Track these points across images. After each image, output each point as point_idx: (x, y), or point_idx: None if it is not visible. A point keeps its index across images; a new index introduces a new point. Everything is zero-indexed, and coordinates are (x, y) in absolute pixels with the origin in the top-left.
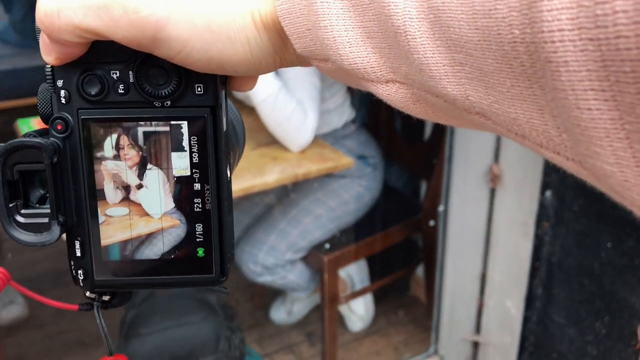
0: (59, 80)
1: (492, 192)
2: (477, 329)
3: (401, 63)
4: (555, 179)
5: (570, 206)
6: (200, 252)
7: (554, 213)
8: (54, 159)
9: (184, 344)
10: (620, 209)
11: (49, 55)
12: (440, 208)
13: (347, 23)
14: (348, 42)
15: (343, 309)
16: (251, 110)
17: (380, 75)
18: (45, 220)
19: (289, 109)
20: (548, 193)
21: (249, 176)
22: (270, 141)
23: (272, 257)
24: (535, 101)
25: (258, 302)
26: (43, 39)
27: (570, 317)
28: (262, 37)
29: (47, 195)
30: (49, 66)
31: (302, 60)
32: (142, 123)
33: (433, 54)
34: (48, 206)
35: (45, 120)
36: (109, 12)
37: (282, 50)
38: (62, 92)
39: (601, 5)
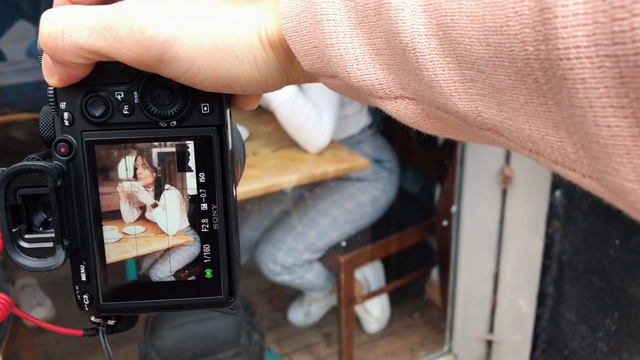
0: (62, 102)
1: (504, 193)
2: (491, 327)
3: (410, 79)
4: (564, 179)
5: (579, 205)
6: (208, 273)
7: (564, 212)
8: (58, 183)
9: (206, 339)
10: None
11: (51, 77)
12: (453, 209)
13: (355, 40)
14: (355, 59)
15: (359, 310)
16: (270, 116)
17: (389, 91)
18: (50, 244)
19: (306, 112)
20: (558, 193)
21: (269, 176)
22: (289, 144)
23: (291, 257)
24: (551, 118)
25: (277, 305)
26: (46, 61)
27: (580, 314)
28: (269, 56)
29: (51, 219)
30: (52, 88)
31: (308, 77)
32: (153, 144)
33: (443, 70)
34: (52, 230)
35: (47, 143)
36: (113, 33)
37: (288, 67)
38: (66, 115)
39: (618, 22)
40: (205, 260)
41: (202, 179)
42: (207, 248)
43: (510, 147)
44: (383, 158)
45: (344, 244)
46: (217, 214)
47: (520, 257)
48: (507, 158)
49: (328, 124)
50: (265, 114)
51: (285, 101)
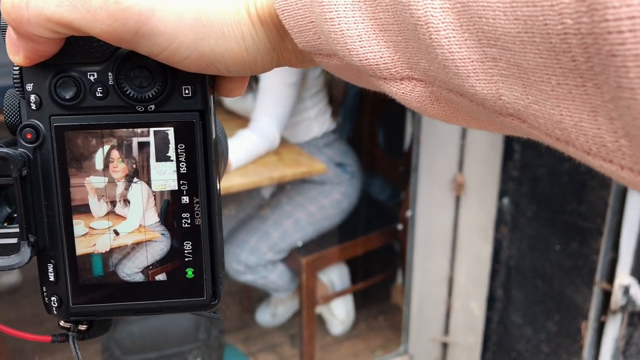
0: (28, 84)
1: (457, 200)
2: (446, 329)
3: (420, 58)
4: (511, 186)
5: (525, 212)
6: (190, 272)
7: (511, 218)
8: (23, 172)
9: (165, 333)
10: (566, 214)
11: (16, 54)
12: (408, 213)
13: (357, 14)
14: (358, 35)
15: (325, 312)
16: (230, 115)
17: (395, 71)
18: (14, 240)
19: (258, 152)
20: (505, 200)
21: (229, 177)
22: None
23: (254, 256)
24: (588, 101)
25: (246, 306)
26: (10, 35)
27: (526, 317)
28: (258, 33)
29: (15, 213)
30: (17, 67)
31: (301, 59)
32: (125, 133)
33: (460, 48)
34: (16, 225)
35: (12, 129)
36: (85, 3)
37: (279, 46)
38: (32, 97)
39: None
40: (186, 259)
41: (183, 170)
42: (188, 245)
43: (532, 135)
44: (345, 162)
45: (300, 244)
46: (199, 208)
47: (471, 261)
48: (460, 166)
49: (275, 130)
50: (233, 119)
51: (240, 164)
